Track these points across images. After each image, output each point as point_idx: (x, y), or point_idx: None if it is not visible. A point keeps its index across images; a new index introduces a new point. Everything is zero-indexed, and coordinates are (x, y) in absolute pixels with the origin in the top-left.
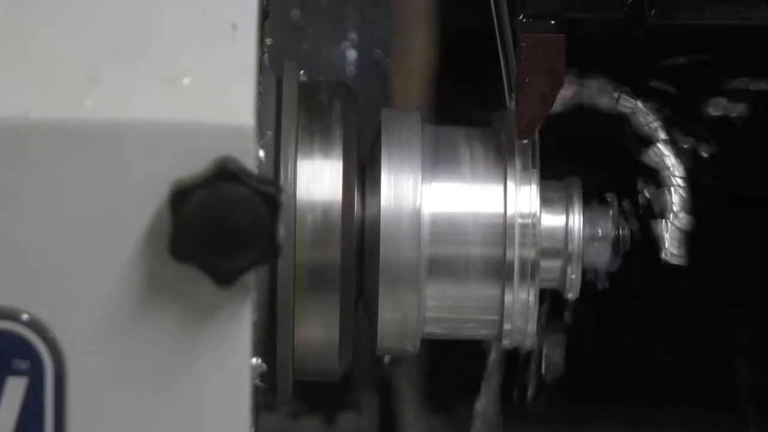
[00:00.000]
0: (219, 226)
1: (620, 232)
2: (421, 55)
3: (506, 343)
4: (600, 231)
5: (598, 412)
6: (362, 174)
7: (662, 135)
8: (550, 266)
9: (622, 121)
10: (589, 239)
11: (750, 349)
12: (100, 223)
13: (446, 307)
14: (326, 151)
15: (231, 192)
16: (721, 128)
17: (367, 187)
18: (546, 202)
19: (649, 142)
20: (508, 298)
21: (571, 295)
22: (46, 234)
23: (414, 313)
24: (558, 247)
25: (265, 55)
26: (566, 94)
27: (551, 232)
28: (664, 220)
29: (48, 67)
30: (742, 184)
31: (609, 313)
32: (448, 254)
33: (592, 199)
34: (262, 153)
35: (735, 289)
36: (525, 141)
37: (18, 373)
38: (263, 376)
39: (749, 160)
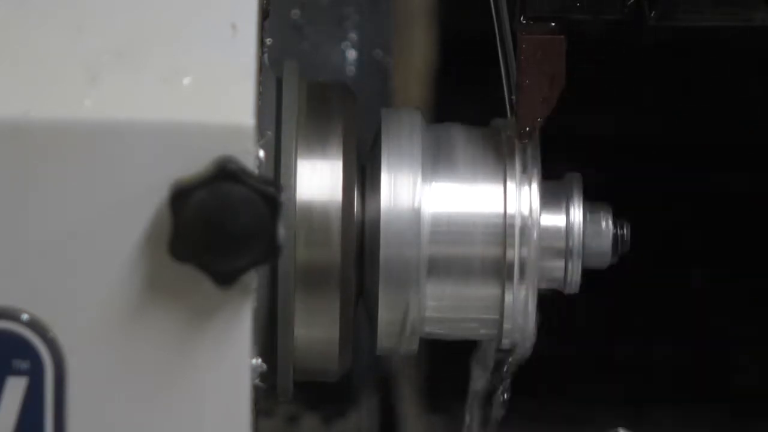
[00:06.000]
0: (219, 226)
1: (619, 230)
2: (421, 55)
3: (506, 342)
4: (600, 230)
5: (598, 412)
6: (362, 174)
7: None
8: (550, 266)
9: None
10: (589, 239)
11: (755, 348)
12: (100, 223)
13: (446, 307)
14: (326, 151)
15: (231, 192)
16: None
17: (367, 187)
18: (546, 201)
19: None
20: (508, 297)
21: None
22: (46, 234)
23: (414, 313)
24: (558, 246)
25: (265, 55)
26: None
27: (551, 231)
28: None
29: (48, 67)
30: (742, 184)
31: (610, 313)
32: (448, 254)
33: (591, 198)
34: (262, 153)
35: (740, 288)
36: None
37: (18, 373)
38: (263, 376)
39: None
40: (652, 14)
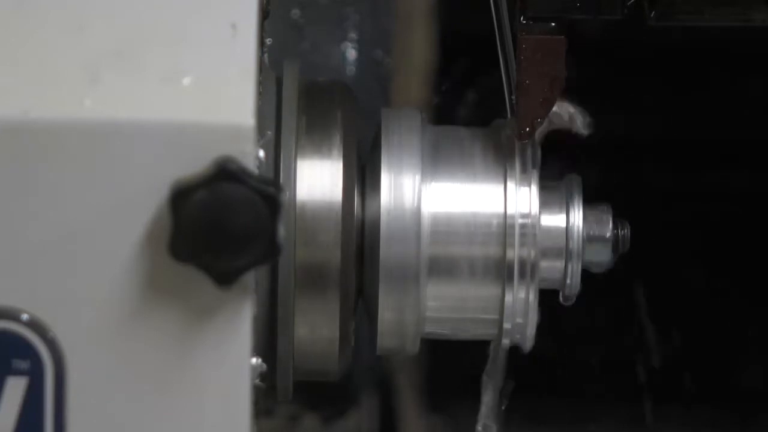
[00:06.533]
0: (219, 226)
1: (620, 231)
2: (421, 55)
3: (506, 342)
4: (600, 230)
5: (598, 412)
6: (362, 174)
7: None
8: (550, 266)
9: None
10: (589, 239)
11: (758, 347)
12: (100, 223)
13: (446, 307)
14: (326, 151)
15: (231, 192)
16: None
17: (367, 187)
18: (546, 201)
19: None
20: (508, 297)
21: (570, 294)
22: (46, 234)
23: (414, 313)
24: (558, 246)
25: (265, 55)
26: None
27: (551, 231)
28: None
29: (48, 67)
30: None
31: (609, 313)
32: (448, 254)
33: (591, 198)
34: (262, 153)
35: (743, 288)
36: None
37: (18, 373)
38: (263, 376)
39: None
40: (652, 14)
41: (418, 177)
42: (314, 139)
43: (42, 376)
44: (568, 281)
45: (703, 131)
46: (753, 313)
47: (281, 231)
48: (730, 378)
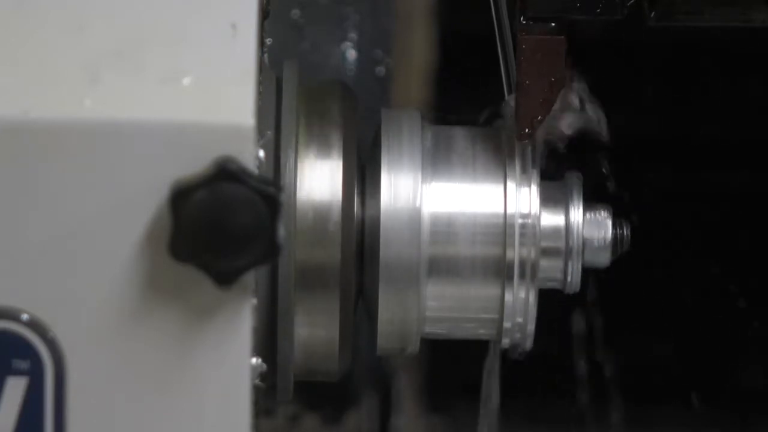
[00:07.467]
0: (219, 226)
1: (619, 231)
2: (421, 55)
3: (506, 342)
4: (600, 230)
5: (597, 412)
6: (362, 174)
7: None
8: (550, 266)
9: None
10: (589, 239)
11: (758, 347)
12: (100, 223)
13: (446, 307)
14: (326, 151)
15: (231, 192)
16: None
17: (367, 187)
18: (546, 201)
19: None
20: (508, 297)
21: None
22: (46, 234)
23: (414, 313)
24: (558, 246)
25: (265, 55)
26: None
27: (551, 231)
28: None
29: (48, 67)
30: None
31: (609, 312)
32: (448, 254)
33: (591, 198)
34: (262, 153)
35: (743, 288)
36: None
37: (18, 373)
38: (263, 376)
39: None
40: (652, 14)
41: (418, 177)
42: (314, 139)
43: (42, 376)
44: (568, 281)
45: (703, 131)
46: (753, 313)
47: (281, 231)
48: (730, 378)
